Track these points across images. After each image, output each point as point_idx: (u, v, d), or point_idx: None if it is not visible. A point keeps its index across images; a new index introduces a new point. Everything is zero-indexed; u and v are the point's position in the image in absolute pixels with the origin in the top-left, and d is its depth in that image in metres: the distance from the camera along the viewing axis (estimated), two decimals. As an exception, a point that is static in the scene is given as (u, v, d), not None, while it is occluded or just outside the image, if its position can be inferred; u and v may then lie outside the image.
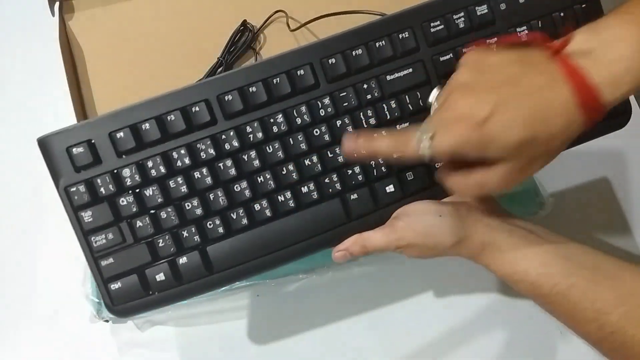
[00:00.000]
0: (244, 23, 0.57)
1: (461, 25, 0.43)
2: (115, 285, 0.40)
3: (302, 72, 0.41)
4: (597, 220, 0.58)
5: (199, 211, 0.41)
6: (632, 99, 0.45)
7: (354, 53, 0.42)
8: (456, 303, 0.55)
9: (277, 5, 0.58)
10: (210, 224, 0.41)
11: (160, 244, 0.41)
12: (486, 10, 0.43)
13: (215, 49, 0.56)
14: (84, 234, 0.40)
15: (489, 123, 0.32)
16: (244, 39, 0.57)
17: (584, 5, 0.44)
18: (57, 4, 0.56)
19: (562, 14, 0.43)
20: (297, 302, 0.55)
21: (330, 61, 0.42)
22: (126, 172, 0.40)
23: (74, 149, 0.40)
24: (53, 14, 0.55)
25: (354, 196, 0.42)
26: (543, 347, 0.53)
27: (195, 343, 0.54)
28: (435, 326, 0.54)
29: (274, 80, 0.41)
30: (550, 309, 0.39)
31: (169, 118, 0.40)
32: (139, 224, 0.40)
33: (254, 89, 0.41)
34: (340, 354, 0.54)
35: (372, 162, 0.42)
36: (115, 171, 0.40)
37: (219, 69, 0.56)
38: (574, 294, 0.37)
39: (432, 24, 0.42)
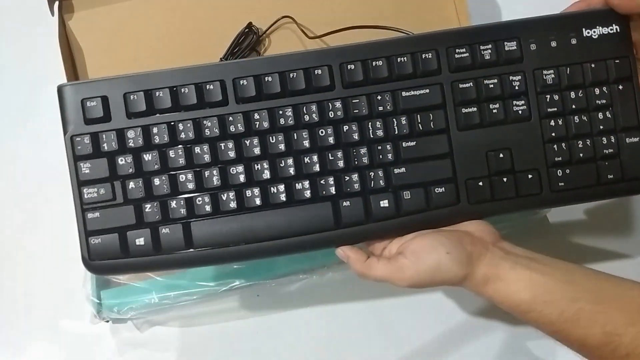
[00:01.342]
0: (249, 25, 0.56)
1: (487, 57, 0.42)
2: (95, 240, 0.41)
3: (319, 72, 0.42)
4: (599, 221, 0.56)
5: (191, 185, 0.41)
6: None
7: (374, 63, 0.42)
8: (457, 303, 0.54)
9: (284, 10, 0.57)
10: (199, 200, 0.41)
11: (147, 209, 0.41)
12: (515, 47, 0.42)
13: (218, 50, 0.56)
14: (79, 184, 0.41)
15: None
16: (249, 41, 0.56)
17: (617, 61, 0.43)
18: (56, 4, 0.55)
19: (592, 65, 0.43)
20: (297, 302, 0.55)
21: (349, 67, 0.42)
22: (131, 133, 0.41)
23: (88, 102, 0.41)
24: (52, 14, 0.55)
25: (346, 203, 0.42)
26: (543, 346, 0.52)
27: (195, 343, 0.54)
28: (436, 325, 0.53)
29: (291, 75, 0.42)
30: (561, 338, 0.39)
31: (182, 90, 0.41)
32: (131, 185, 0.41)
33: (269, 79, 0.42)
34: (341, 353, 0.53)
35: (371, 174, 0.42)
36: (121, 130, 0.41)
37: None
38: (582, 318, 0.37)
39: (457, 50, 0.42)
